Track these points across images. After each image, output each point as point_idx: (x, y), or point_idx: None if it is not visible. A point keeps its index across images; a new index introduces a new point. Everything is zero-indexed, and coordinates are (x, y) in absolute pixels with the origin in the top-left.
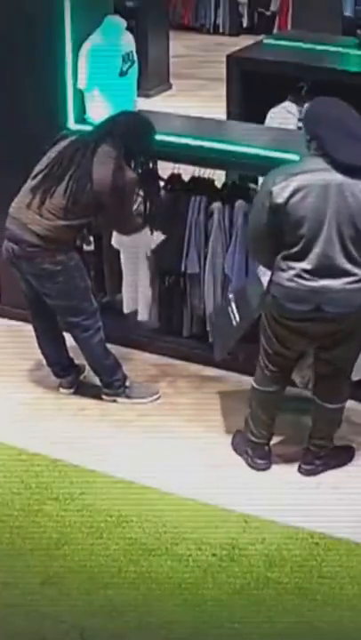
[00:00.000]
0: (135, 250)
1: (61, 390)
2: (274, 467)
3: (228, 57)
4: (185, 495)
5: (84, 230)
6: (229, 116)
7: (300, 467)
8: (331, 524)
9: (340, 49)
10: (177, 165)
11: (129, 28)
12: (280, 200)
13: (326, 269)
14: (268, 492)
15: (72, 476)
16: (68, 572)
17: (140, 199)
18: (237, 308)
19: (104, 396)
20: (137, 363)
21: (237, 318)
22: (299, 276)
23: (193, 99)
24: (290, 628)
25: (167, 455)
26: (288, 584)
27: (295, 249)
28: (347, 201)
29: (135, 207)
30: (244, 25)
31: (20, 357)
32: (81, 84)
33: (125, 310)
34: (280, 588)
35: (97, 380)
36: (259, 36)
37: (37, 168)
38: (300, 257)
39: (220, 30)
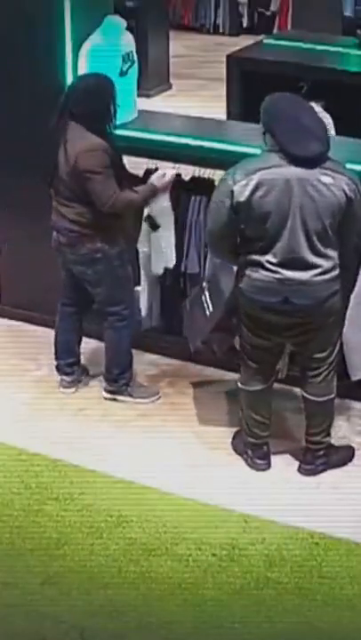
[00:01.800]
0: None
1: (62, 390)
2: (274, 467)
3: (228, 57)
4: (185, 495)
5: (122, 218)
6: (229, 116)
7: (300, 467)
8: (331, 523)
9: (340, 49)
10: (177, 165)
11: (129, 28)
12: (242, 198)
13: (292, 262)
14: (268, 492)
15: (72, 476)
16: (68, 572)
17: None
18: (210, 297)
19: (105, 394)
20: (137, 363)
21: (210, 308)
22: (265, 267)
23: (193, 99)
24: (290, 627)
25: (167, 455)
26: (288, 584)
27: (260, 243)
28: (310, 195)
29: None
30: (244, 25)
31: (21, 357)
32: None
33: (143, 313)
34: (280, 587)
35: (96, 380)
36: (259, 36)
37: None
38: (265, 250)
39: (220, 30)
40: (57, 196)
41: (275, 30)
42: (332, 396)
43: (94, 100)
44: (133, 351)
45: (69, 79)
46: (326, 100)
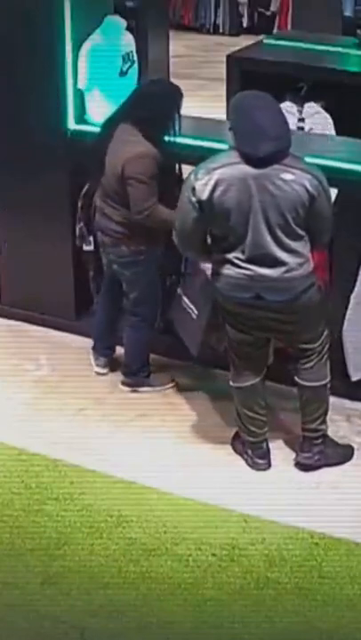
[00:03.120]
0: None
1: (97, 370)
2: (274, 467)
3: (228, 57)
4: (185, 495)
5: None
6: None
7: (297, 456)
8: (331, 523)
9: (340, 49)
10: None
11: (129, 28)
12: (203, 196)
13: (260, 258)
14: (268, 492)
15: (72, 476)
16: (68, 572)
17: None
18: (191, 301)
19: (123, 386)
20: None
21: (196, 311)
22: (234, 264)
23: (193, 99)
24: (290, 627)
25: (167, 455)
26: (288, 584)
27: (228, 241)
28: (270, 192)
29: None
30: (244, 25)
31: (21, 357)
32: (81, 84)
33: None
34: (280, 587)
35: (96, 380)
36: (259, 36)
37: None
38: (233, 247)
39: (220, 30)
40: (103, 196)
41: (275, 30)
42: (325, 381)
43: (156, 106)
44: None
45: (69, 79)
46: (326, 100)
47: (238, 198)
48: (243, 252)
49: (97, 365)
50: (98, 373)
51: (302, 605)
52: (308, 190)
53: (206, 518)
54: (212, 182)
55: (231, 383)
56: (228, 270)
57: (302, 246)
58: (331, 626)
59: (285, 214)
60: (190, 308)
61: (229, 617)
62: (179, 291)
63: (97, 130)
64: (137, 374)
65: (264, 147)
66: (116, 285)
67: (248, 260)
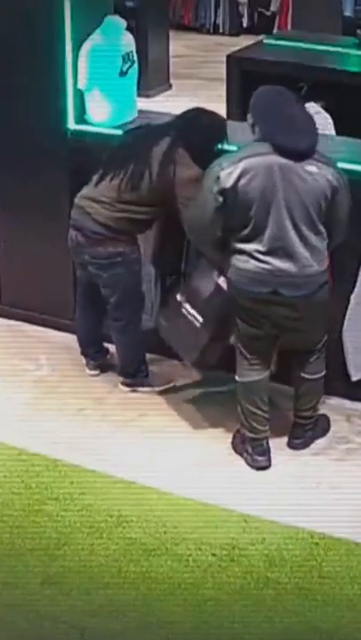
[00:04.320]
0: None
1: (88, 372)
2: (274, 467)
3: (228, 57)
4: (185, 495)
5: (149, 226)
6: (229, 116)
7: (289, 441)
8: (331, 523)
9: (340, 49)
10: None
11: (129, 28)
12: (228, 184)
13: (280, 252)
14: (268, 492)
15: (72, 476)
16: (68, 572)
17: None
18: (195, 309)
19: (122, 386)
20: None
21: (200, 319)
22: (253, 257)
23: (193, 99)
24: (290, 627)
25: (167, 455)
26: (288, 584)
27: (246, 231)
28: (294, 184)
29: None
30: (244, 25)
31: (21, 357)
32: (81, 84)
33: None
34: (280, 587)
35: (96, 380)
36: (259, 36)
37: (105, 159)
38: (251, 238)
39: (220, 30)
40: (96, 195)
41: (275, 30)
42: (324, 372)
43: (211, 138)
44: None
45: (69, 79)
46: (326, 100)
47: (262, 188)
48: (262, 245)
49: (89, 369)
50: (92, 375)
51: (302, 605)
52: (331, 184)
53: (206, 518)
54: (237, 171)
55: (237, 378)
56: (245, 264)
57: (321, 241)
58: (331, 626)
59: (308, 207)
60: (193, 316)
61: (229, 617)
62: (178, 297)
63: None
64: (135, 375)
65: (303, 140)
66: (91, 288)
67: (267, 253)
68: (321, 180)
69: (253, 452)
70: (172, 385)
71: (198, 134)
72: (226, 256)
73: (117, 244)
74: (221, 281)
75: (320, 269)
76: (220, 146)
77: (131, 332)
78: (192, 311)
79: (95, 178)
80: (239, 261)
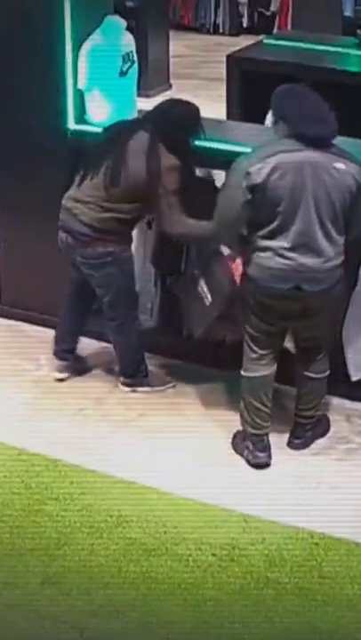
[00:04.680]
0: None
1: (55, 374)
2: (274, 466)
3: (228, 57)
4: (185, 495)
5: (135, 224)
6: (229, 116)
7: (289, 441)
8: (331, 523)
9: (340, 49)
10: None
11: (129, 28)
12: (259, 180)
13: (305, 247)
14: (268, 492)
15: (72, 476)
16: (68, 572)
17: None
18: (208, 286)
19: (122, 387)
20: None
21: (209, 297)
22: (278, 254)
23: (193, 99)
24: (290, 627)
25: (167, 455)
26: (288, 584)
27: (271, 227)
28: (324, 180)
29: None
30: (244, 25)
31: (20, 357)
32: (81, 84)
33: None
34: (280, 588)
35: (96, 380)
36: (259, 36)
37: (85, 158)
38: (277, 235)
39: (220, 30)
40: (82, 196)
41: (275, 30)
42: (328, 372)
43: (186, 128)
44: None
45: (69, 79)
46: (326, 100)
47: (293, 184)
48: (287, 241)
49: (58, 371)
50: (56, 379)
51: (302, 605)
52: (356, 180)
53: (206, 518)
54: (268, 167)
55: (243, 373)
56: (268, 261)
57: (340, 236)
58: (331, 626)
59: (335, 202)
60: (205, 293)
61: (229, 617)
62: (196, 272)
63: (100, 131)
64: (135, 375)
65: (322, 127)
66: (82, 289)
67: (292, 249)
68: (347, 177)
69: (254, 447)
70: (172, 385)
71: (173, 125)
72: (246, 251)
73: (106, 243)
74: (235, 265)
75: (338, 263)
76: (195, 136)
77: (127, 331)
78: (205, 288)
79: (77, 178)
80: (262, 259)
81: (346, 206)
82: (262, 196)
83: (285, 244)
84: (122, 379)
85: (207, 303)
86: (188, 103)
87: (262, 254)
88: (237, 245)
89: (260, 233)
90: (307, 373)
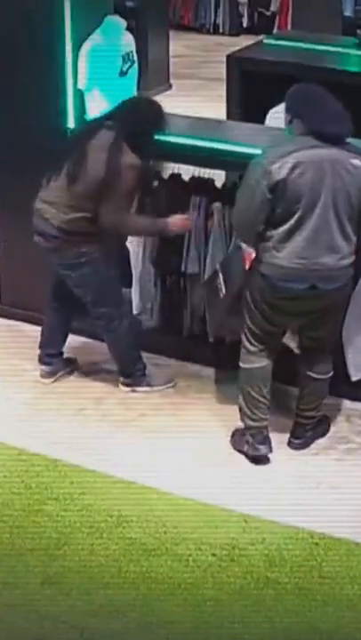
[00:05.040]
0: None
1: (40, 380)
2: (274, 466)
3: (228, 57)
4: (185, 495)
5: None
6: (229, 116)
7: (290, 441)
8: (331, 523)
9: (340, 49)
10: (177, 165)
11: (129, 28)
12: (280, 177)
13: (321, 244)
14: (268, 492)
15: (72, 476)
16: (68, 572)
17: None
18: (224, 280)
19: (122, 387)
20: None
21: (224, 291)
22: (294, 253)
23: (193, 99)
24: (290, 627)
25: (167, 455)
26: (288, 584)
27: (287, 225)
28: (342, 176)
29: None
30: (244, 25)
31: (20, 357)
32: (81, 84)
33: (135, 311)
34: (280, 588)
35: (96, 380)
36: (259, 36)
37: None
38: (293, 233)
39: (220, 30)
40: (51, 198)
41: (275, 30)
42: (332, 372)
43: (149, 126)
44: None
45: (69, 79)
46: None
47: (313, 181)
48: (303, 238)
49: (41, 376)
50: (44, 384)
51: (302, 605)
52: None
53: (206, 518)
54: (289, 164)
55: (241, 364)
56: (283, 260)
57: (354, 233)
58: (331, 626)
59: (352, 198)
60: (221, 287)
61: (229, 617)
62: (217, 267)
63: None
64: (133, 374)
65: (339, 125)
66: (62, 290)
67: (307, 247)
68: None
69: (254, 440)
70: (172, 384)
71: (136, 124)
72: (260, 249)
73: (78, 244)
74: (247, 255)
75: (351, 261)
76: (159, 134)
77: (116, 330)
78: (222, 282)
79: (45, 179)
80: (277, 258)
81: (360, 202)
82: (283, 194)
83: (302, 243)
84: (121, 379)
85: (221, 296)
86: (152, 102)
87: (278, 254)
88: (255, 242)
89: (277, 231)
90: (310, 373)
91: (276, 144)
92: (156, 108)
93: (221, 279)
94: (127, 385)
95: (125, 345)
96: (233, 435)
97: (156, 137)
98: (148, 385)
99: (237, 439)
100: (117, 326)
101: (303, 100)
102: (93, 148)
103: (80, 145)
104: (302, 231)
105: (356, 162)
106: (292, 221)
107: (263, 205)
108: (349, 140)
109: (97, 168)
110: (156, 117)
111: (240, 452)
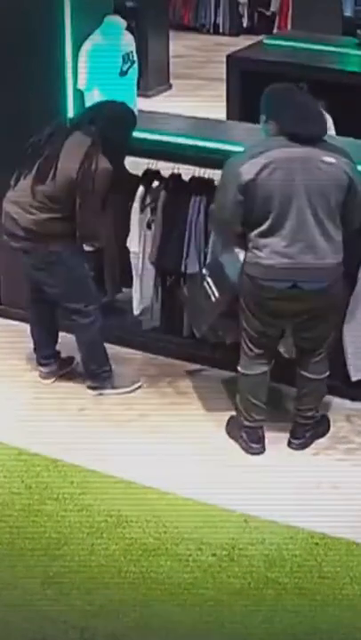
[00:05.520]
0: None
1: (40, 380)
2: (274, 467)
3: (228, 57)
4: (185, 495)
5: (73, 222)
6: (229, 115)
7: (290, 441)
8: (331, 523)
9: (340, 49)
10: (177, 165)
11: (129, 28)
12: (249, 176)
13: (301, 244)
14: (268, 492)
15: (72, 476)
16: (68, 572)
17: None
18: (215, 283)
19: (88, 390)
20: (137, 363)
21: (216, 294)
22: (275, 251)
23: (193, 99)
24: (290, 627)
25: (167, 455)
26: (288, 584)
27: (266, 225)
28: (315, 174)
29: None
30: (244, 25)
31: (21, 357)
32: (81, 84)
33: (136, 312)
34: (280, 588)
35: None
36: (259, 36)
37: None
38: (272, 232)
39: (220, 30)
40: (20, 199)
41: (275, 30)
42: (328, 372)
43: (121, 130)
44: (133, 351)
45: (69, 79)
46: (326, 100)
47: (284, 180)
48: (283, 238)
49: (41, 377)
50: (45, 385)
51: (302, 605)
52: (347, 174)
53: (206, 518)
54: (259, 165)
55: (240, 369)
56: (266, 260)
57: (338, 233)
58: (331, 626)
59: (329, 197)
60: (211, 290)
61: (229, 617)
62: (204, 271)
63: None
64: (98, 375)
65: (310, 125)
66: (38, 290)
67: (288, 246)
68: (339, 171)
69: (248, 439)
70: (138, 386)
71: (109, 127)
72: (247, 251)
73: (48, 244)
74: (241, 256)
75: (336, 262)
76: (131, 138)
77: (89, 325)
78: (212, 284)
79: (14, 179)
80: (259, 258)
81: (339, 201)
82: (254, 194)
83: (282, 242)
84: (88, 382)
85: (213, 300)
86: (123, 105)
87: (260, 253)
88: (239, 241)
89: (257, 231)
90: (306, 374)
91: (251, 146)
92: (128, 112)
93: (211, 282)
94: (93, 388)
95: (95, 343)
96: (228, 422)
97: (157, 137)
98: (113, 387)
99: (233, 428)
100: (92, 323)
101: (277, 101)
102: (67, 152)
103: (52, 147)
104: (281, 231)
105: (328, 159)
106: (269, 221)
107: (236, 206)
108: (337, 141)
109: (70, 172)
110: (129, 122)
111: (234, 439)
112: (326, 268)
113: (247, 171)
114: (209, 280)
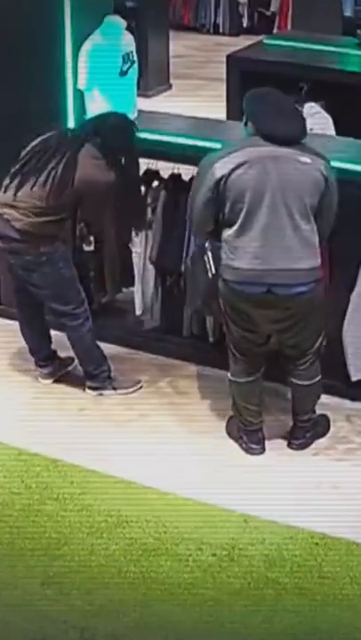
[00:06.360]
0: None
1: (41, 381)
2: (274, 467)
3: (228, 57)
4: (185, 495)
5: (65, 223)
6: (229, 115)
7: (289, 442)
8: (331, 523)
9: (340, 49)
10: (177, 165)
11: (129, 28)
12: (223, 172)
13: (273, 247)
14: (268, 492)
15: (72, 476)
16: (69, 572)
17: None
18: (213, 259)
19: (88, 390)
20: (137, 363)
21: (213, 270)
22: (247, 253)
23: (193, 99)
24: (290, 628)
25: (167, 455)
26: (288, 584)
27: (238, 223)
28: (289, 174)
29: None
30: (244, 25)
31: (20, 357)
32: (81, 84)
33: (138, 312)
34: (280, 588)
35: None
36: (259, 36)
37: (16, 163)
38: (243, 232)
39: (220, 30)
40: (13, 201)
41: (275, 30)
42: (320, 376)
43: (121, 140)
44: (133, 351)
45: (69, 79)
46: (326, 100)
47: (257, 178)
48: (253, 238)
49: (41, 378)
50: (45, 385)
51: (302, 605)
52: (323, 175)
53: (206, 518)
54: (232, 163)
55: (230, 377)
56: (238, 261)
57: (313, 234)
58: (331, 626)
59: (303, 197)
60: (210, 264)
61: (229, 617)
62: (206, 244)
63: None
64: (97, 376)
65: (287, 126)
66: (25, 293)
67: (260, 247)
68: (314, 172)
69: (248, 440)
70: (139, 386)
71: (114, 138)
72: (222, 253)
73: (38, 246)
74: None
75: (313, 265)
76: (131, 147)
77: (80, 327)
78: (212, 262)
79: (6, 183)
80: (231, 259)
81: (314, 202)
82: (226, 192)
83: (252, 242)
84: (88, 382)
85: (210, 275)
86: (123, 116)
87: (232, 255)
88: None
89: (230, 231)
90: (295, 381)
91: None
92: (128, 123)
93: (210, 258)
94: (93, 389)
95: (88, 343)
96: (228, 422)
97: (157, 137)
98: (114, 388)
99: (232, 427)
100: (81, 324)
101: (256, 103)
102: (80, 163)
103: (59, 156)
104: (250, 231)
105: (304, 159)
106: (239, 221)
107: (208, 203)
108: (335, 141)
109: (84, 184)
110: (129, 132)
111: (233, 439)
112: (300, 270)
113: (221, 168)
114: (209, 254)
